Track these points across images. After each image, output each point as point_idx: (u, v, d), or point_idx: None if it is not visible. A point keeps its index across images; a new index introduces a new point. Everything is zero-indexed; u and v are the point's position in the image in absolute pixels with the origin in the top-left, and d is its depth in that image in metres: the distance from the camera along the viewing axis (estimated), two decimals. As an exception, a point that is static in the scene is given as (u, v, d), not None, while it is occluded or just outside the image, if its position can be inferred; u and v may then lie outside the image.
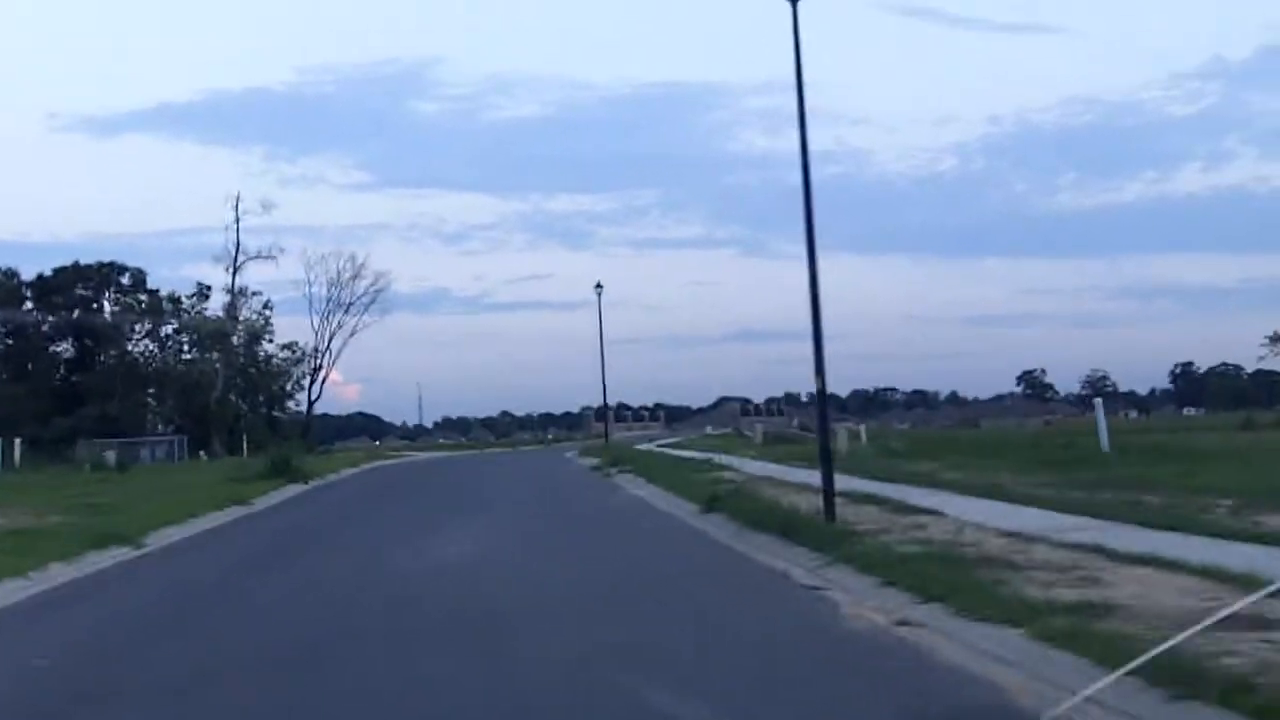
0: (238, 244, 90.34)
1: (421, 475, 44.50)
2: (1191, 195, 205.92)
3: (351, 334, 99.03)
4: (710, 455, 42.22)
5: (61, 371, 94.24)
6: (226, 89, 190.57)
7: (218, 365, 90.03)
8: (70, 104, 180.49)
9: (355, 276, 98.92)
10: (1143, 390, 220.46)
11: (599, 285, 59.60)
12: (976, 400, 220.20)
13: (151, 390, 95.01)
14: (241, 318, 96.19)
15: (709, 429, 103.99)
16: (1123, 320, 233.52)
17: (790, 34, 17.48)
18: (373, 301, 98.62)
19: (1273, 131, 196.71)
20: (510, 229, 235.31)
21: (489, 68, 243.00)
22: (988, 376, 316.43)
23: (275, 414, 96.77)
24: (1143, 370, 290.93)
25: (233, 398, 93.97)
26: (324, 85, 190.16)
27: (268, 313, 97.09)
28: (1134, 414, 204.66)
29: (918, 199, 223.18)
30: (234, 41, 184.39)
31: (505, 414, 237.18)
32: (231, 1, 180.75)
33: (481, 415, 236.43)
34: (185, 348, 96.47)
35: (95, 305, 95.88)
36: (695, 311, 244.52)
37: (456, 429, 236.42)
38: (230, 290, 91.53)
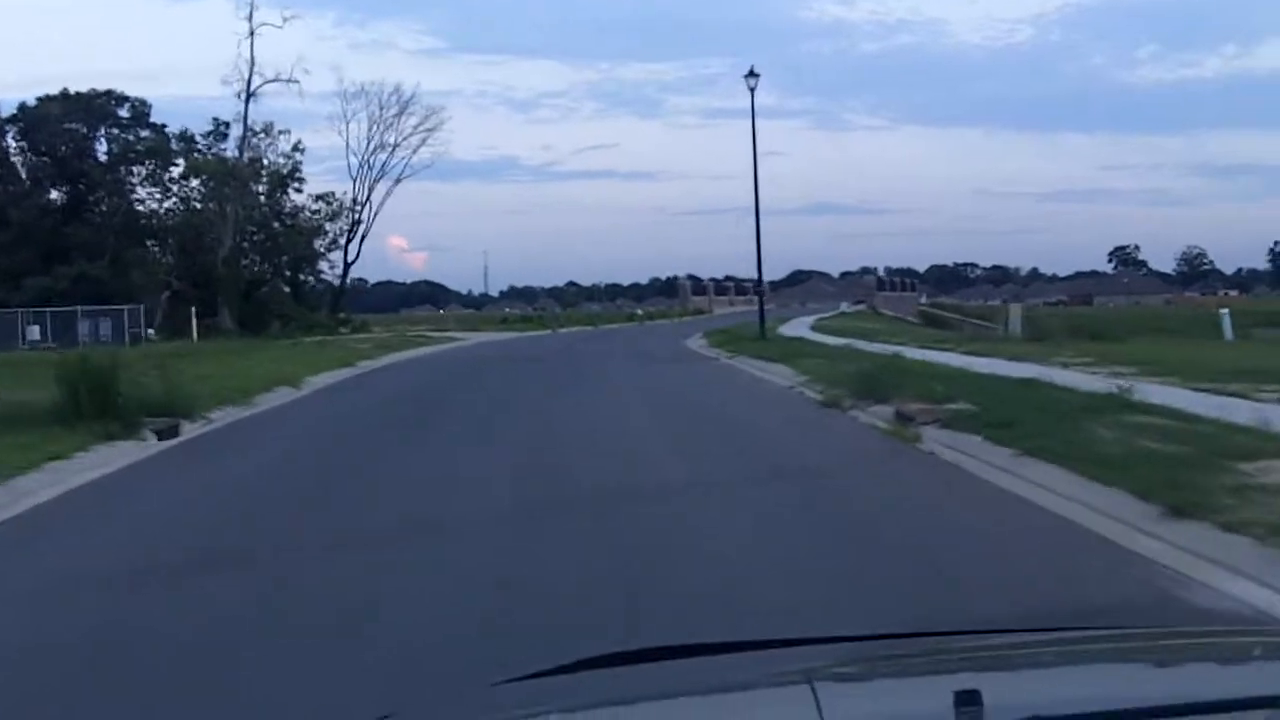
0: (251, 62, 66.79)
1: (459, 405, 19.98)
2: (1275, 71, 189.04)
3: (397, 182, 75.38)
4: (1026, 365, 18.50)
5: (54, 222, 71.99)
6: None
7: (227, 214, 67.09)
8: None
9: (402, 113, 74.97)
10: (1228, 270, 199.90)
11: (752, 73, 34.38)
12: (1056, 277, 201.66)
13: (154, 246, 72.32)
14: (267, 161, 72.91)
15: (844, 306, 79.92)
16: (1204, 197, 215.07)
17: None
18: (423, 143, 74.94)
19: None
20: (580, 97, 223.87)
21: None
22: (1064, 252, 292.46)
23: (302, 278, 73.64)
24: (1235, 249, 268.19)
25: (252, 259, 71.10)
26: None
27: (297, 155, 73.28)
28: (1233, 293, 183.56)
29: (991, 71, 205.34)
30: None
31: (571, 284, 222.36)
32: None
33: (548, 285, 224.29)
34: (198, 196, 73.16)
35: (89, 142, 73.26)
36: (765, 183, 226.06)
37: (523, 298, 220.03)
38: (243, 121, 68.19)
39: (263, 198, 72.53)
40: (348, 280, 75.29)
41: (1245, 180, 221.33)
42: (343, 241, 74.75)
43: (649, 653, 2.53)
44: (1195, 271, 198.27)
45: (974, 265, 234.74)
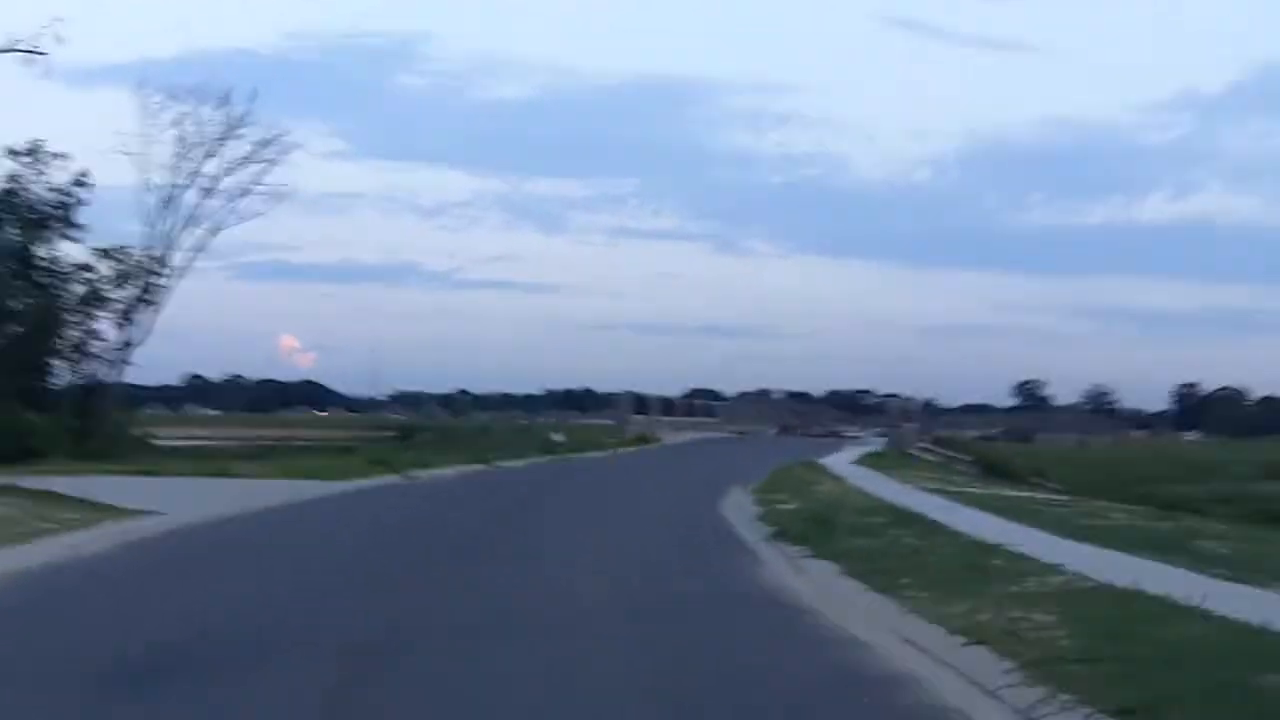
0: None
1: None
2: (1156, 223, 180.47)
3: (216, 232, 46.37)
4: None
5: None
6: (212, 48, 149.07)
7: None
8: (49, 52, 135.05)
9: (231, 131, 46.28)
10: (1125, 406, 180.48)
11: None
12: (945, 409, 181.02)
13: None
14: (27, 193, 43.78)
15: (878, 443, 52.19)
16: (1088, 338, 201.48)
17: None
18: (259, 179, 46.12)
19: (1241, 166, 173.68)
20: (485, 207, 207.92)
21: (478, 47, 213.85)
22: (955, 384, 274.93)
23: (53, 364, 44.32)
24: (1144, 389, 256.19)
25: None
26: (309, 52, 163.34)
27: (79, 191, 44.00)
28: (1140, 432, 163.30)
29: (891, 206, 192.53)
30: (220, 2, 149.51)
31: (463, 391, 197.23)
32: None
33: (438, 391, 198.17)
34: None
35: None
36: (663, 303, 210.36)
37: (410, 404, 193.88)
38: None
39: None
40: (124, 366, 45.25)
41: (1126, 324, 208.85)
42: (133, 312, 45.40)
43: None
44: (1100, 408, 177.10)
45: (870, 392, 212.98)
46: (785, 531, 14.71)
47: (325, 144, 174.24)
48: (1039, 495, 27.18)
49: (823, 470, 28.43)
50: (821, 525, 14.98)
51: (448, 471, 29.29)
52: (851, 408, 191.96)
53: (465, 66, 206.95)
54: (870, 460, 37.22)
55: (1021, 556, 12.10)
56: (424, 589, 10.14)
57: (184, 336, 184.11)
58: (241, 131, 44.23)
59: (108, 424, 42.73)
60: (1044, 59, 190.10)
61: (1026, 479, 41.52)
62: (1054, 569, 11.11)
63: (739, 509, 18.68)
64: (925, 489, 23.57)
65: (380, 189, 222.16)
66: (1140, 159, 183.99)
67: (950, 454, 46.51)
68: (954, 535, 14.26)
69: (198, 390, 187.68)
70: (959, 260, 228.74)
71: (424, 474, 27.69)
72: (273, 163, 44.71)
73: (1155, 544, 14.53)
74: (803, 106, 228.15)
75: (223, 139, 44.51)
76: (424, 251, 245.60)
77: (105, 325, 44.11)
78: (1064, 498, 27.35)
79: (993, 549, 12.76)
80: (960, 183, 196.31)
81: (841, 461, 35.27)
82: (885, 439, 53.15)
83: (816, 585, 10.85)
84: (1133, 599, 9.27)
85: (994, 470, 41.04)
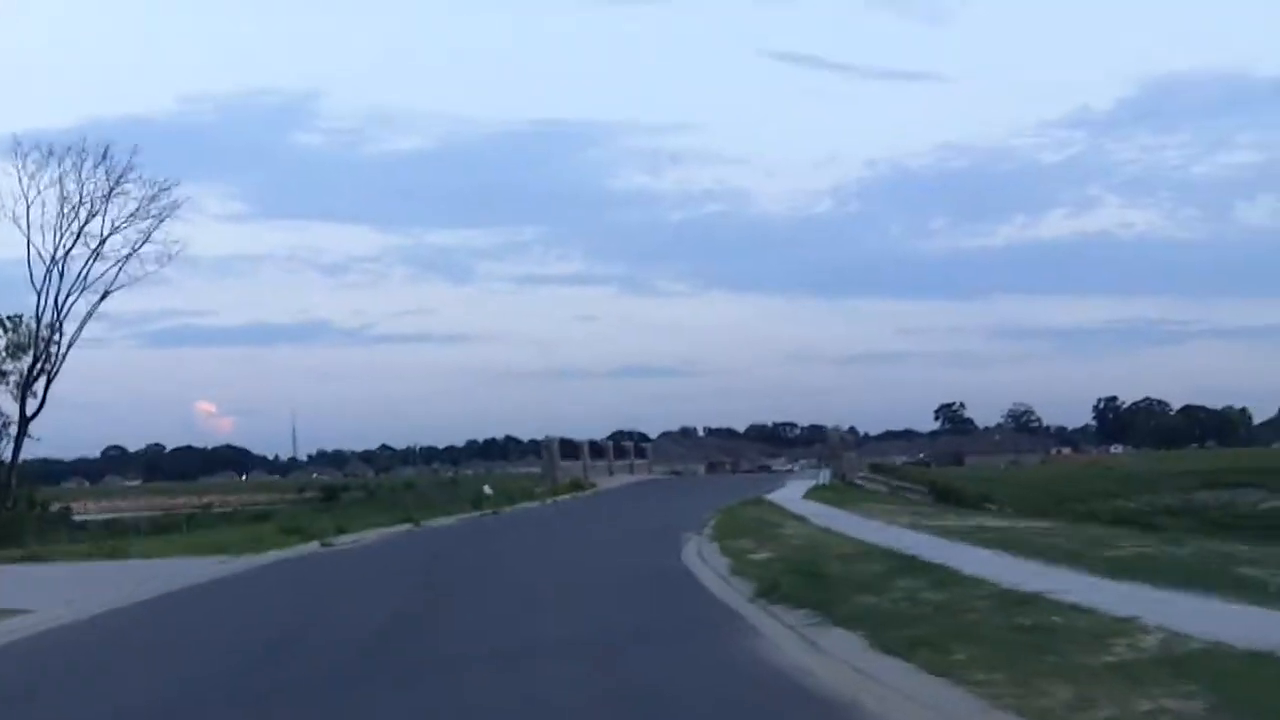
0: None
1: None
2: (1059, 240, 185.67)
3: (104, 296, 43.35)
4: None
5: None
6: (105, 116, 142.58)
7: None
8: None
9: (115, 187, 43.42)
10: (1047, 424, 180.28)
11: None
12: (869, 436, 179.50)
13: None
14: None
15: (824, 476, 49.27)
16: (1001, 359, 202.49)
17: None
18: (155, 229, 43.33)
19: (1135, 180, 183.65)
20: (391, 262, 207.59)
21: (371, 101, 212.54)
22: (875, 411, 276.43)
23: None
24: (1064, 406, 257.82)
25: None
26: (205, 114, 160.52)
27: None
28: (1065, 450, 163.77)
29: (795, 239, 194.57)
30: (115, 70, 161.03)
31: (385, 447, 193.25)
32: (113, 30, 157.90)
33: (360, 448, 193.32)
34: None
35: None
36: (578, 347, 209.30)
37: (333, 463, 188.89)
38: None
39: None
40: (21, 441, 41.85)
41: (1039, 342, 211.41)
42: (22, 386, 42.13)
43: None
44: (1023, 428, 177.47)
45: (792, 425, 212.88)
46: (773, 589, 12.32)
47: (225, 206, 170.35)
48: (1019, 523, 25.14)
49: (776, 508, 26.19)
50: (812, 578, 12.66)
51: (371, 535, 26.38)
52: (775, 440, 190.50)
53: (360, 121, 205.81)
54: (820, 494, 35.09)
55: (1076, 608, 9.85)
56: None
57: (100, 408, 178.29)
58: (126, 187, 41.53)
59: (12, 502, 39.51)
60: (937, 86, 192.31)
61: (978, 504, 39.68)
62: (1133, 624, 8.86)
63: (705, 561, 16.31)
64: (898, 524, 21.39)
65: (284, 248, 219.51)
66: (1038, 178, 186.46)
67: (898, 483, 44.58)
68: (974, 583, 12.00)
69: (117, 461, 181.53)
70: (868, 289, 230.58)
71: (345, 539, 24.77)
72: (161, 218, 42.02)
73: (1202, 576, 12.41)
74: (700, 144, 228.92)
75: (107, 195, 41.73)
76: (333, 310, 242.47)
77: (3, 399, 41.42)
78: (1048, 524, 25.35)
79: (1034, 600, 10.51)
80: (862, 212, 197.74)
81: (791, 497, 33.11)
82: (825, 470, 51.08)
83: (846, 667, 8.45)
84: (1277, 667, 7.03)
85: (946, 497, 39.15)
